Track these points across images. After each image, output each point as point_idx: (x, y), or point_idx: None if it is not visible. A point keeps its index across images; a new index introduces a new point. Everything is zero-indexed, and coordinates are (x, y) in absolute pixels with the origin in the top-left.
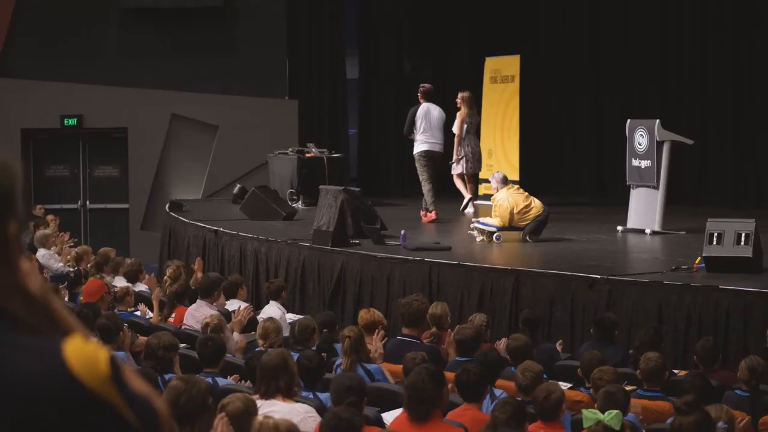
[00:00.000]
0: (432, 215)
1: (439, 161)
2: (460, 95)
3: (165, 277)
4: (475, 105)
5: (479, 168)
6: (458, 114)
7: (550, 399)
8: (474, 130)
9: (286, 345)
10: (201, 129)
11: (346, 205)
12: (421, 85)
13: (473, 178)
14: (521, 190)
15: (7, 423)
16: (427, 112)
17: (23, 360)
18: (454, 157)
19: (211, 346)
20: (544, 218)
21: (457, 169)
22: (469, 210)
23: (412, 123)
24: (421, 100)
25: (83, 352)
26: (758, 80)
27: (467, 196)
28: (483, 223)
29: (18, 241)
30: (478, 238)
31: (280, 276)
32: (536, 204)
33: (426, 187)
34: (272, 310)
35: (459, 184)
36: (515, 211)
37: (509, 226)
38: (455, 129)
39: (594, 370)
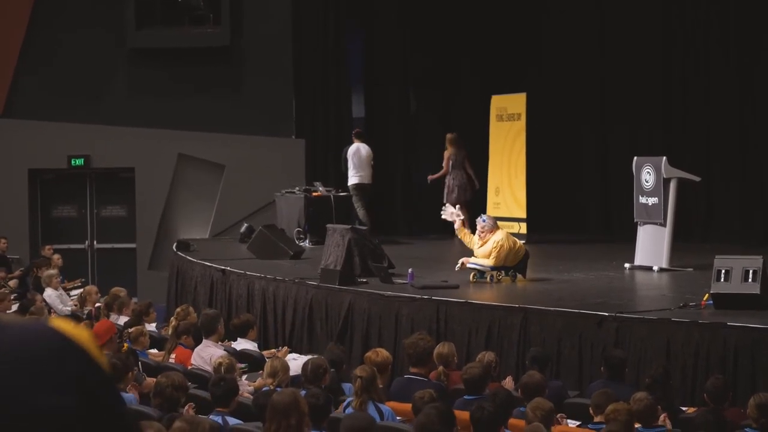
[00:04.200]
0: None
1: (368, 191)
2: (447, 136)
3: (172, 318)
4: (462, 142)
5: (464, 197)
6: (445, 153)
7: None
8: (459, 164)
9: (295, 384)
10: (208, 168)
11: (353, 244)
12: (354, 129)
13: (464, 206)
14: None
15: (10, 374)
16: (357, 151)
17: (15, 328)
18: (446, 190)
19: (224, 386)
20: (528, 256)
21: (446, 198)
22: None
23: (346, 160)
24: (354, 140)
25: (65, 323)
26: (764, 117)
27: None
28: (476, 264)
29: None
30: (471, 279)
31: (288, 315)
32: (521, 243)
33: (361, 213)
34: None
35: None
36: (512, 252)
37: (499, 266)
38: (444, 166)
39: (609, 406)
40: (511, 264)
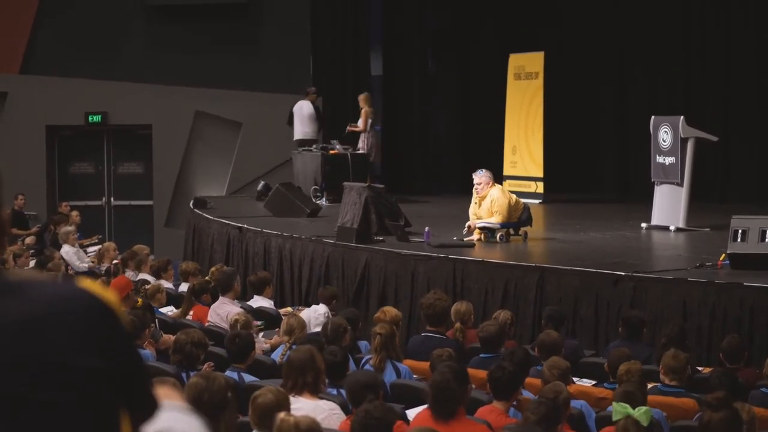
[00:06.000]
0: None
1: (309, 147)
2: (362, 96)
3: (206, 277)
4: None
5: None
6: (363, 112)
7: (558, 400)
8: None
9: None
10: (225, 126)
11: (370, 202)
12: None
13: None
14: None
15: (46, 334)
16: (300, 108)
17: (48, 288)
18: (362, 146)
19: (239, 342)
20: (527, 208)
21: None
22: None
23: (291, 116)
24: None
25: (93, 284)
26: None
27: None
28: (486, 223)
29: (8, 224)
30: (475, 238)
31: (304, 273)
32: (516, 197)
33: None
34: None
35: None
36: (511, 206)
37: (506, 223)
38: (360, 124)
39: (621, 366)
40: (514, 220)
